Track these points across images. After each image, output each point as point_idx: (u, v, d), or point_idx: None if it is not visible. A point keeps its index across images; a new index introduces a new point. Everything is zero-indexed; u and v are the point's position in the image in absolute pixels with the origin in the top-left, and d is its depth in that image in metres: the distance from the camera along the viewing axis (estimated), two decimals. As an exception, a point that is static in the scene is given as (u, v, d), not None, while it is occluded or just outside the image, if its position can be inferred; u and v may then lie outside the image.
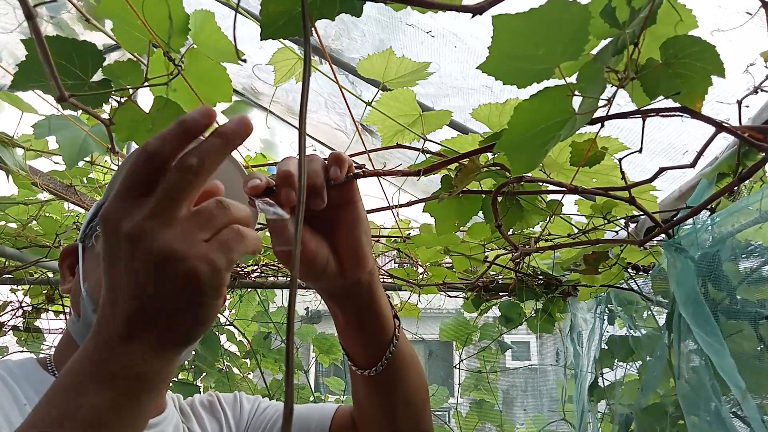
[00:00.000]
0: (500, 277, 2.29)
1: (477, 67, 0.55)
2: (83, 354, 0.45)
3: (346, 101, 0.80)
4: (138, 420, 0.45)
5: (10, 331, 2.85)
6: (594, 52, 0.66)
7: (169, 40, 0.71)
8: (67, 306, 2.90)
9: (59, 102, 0.62)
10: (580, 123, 0.62)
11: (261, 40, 0.48)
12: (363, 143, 0.87)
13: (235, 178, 0.89)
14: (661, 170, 0.92)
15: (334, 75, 0.78)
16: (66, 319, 2.94)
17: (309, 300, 2.83)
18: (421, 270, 2.01)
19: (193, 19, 0.74)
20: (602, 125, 0.68)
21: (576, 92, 0.57)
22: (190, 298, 0.45)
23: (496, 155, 0.96)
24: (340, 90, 0.79)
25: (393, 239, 1.80)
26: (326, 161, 0.62)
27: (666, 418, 1.23)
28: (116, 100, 0.76)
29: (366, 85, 2.00)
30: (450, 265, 2.07)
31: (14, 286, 2.79)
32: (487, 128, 1.07)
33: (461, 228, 1.18)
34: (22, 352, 2.93)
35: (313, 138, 2.56)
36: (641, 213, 1.30)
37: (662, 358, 1.32)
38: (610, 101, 0.60)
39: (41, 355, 0.87)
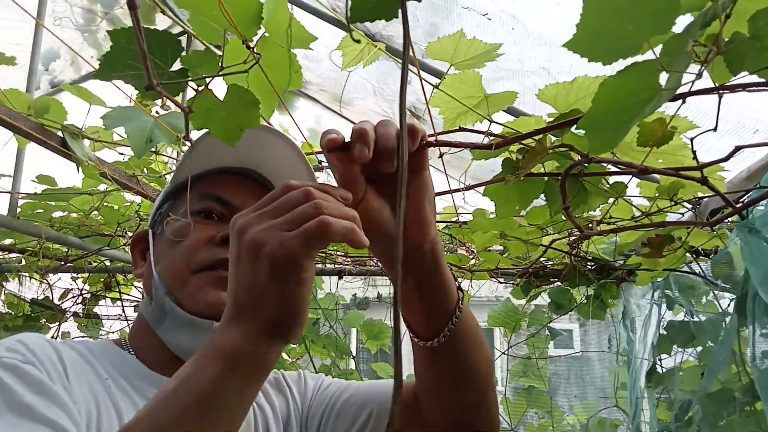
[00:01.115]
0: (551, 262, 2.26)
1: (563, 45, 0.54)
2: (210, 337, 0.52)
3: (423, 87, 0.80)
4: (243, 398, 0.49)
5: (72, 317, 2.98)
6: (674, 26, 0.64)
7: (246, 29, 0.72)
8: (124, 294, 3.02)
9: (147, 90, 0.64)
10: (664, 99, 0.61)
11: (350, 23, 0.49)
12: (433, 126, 0.87)
13: (297, 166, 0.90)
14: (737, 149, 0.90)
15: (417, 66, 0.77)
16: (122, 305, 3.06)
17: (357, 287, 2.87)
18: (472, 256, 2.00)
19: (266, 7, 0.75)
20: (684, 101, 0.67)
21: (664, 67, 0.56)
22: (273, 281, 0.50)
23: (560, 137, 0.95)
24: (419, 75, 0.79)
25: (446, 225, 1.80)
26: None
27: (733, 403, 1.20)
28: (193, 89, 0.78)
29: (415, 70, 2.00)
30: (500, 250, 2.05)
31: (74, 274, 2.91)
32: (544, 111, 1.05)
33: (520, 212, 1.18)
34: (82, 337, 3.06)
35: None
36: (707, 195, 1.27)
37: (727, 344, 1.29)
38: (699, 75, 0.58)
39: (115, 337, 0.90)
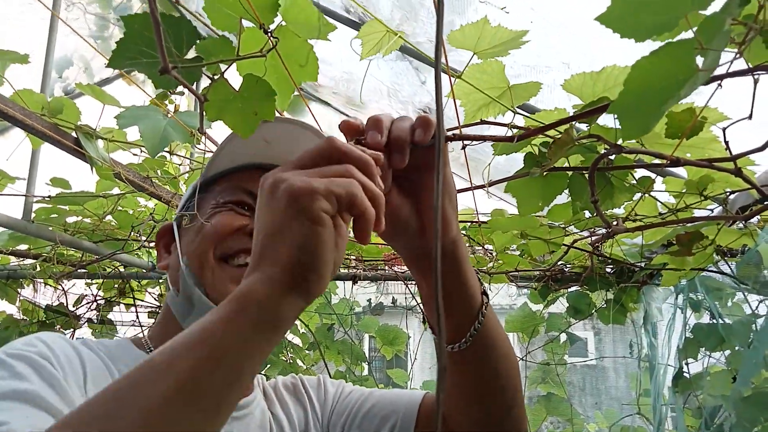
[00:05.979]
0: (569, 266, 2.22)
1: (595, 18, 0.51)
2: None
3: (450, 81, 0.78)
4: (249, 347, 0.47)
5: (86, 323, 2.98)
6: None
7: (264, 14, 0.70)
8: (138, 300, 3.01)
9: (162, 74, 0.62)
10: (701, 80, 0.57)
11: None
12: (458, 120, 0.84)
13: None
14: (776, 137, 0.85)
15: (446, 58, 0.74)
16: (136, 311, 3.05)
17: (371, 292, 2.83)
18: (490, 258, 1.97)
19: (283, -7, 0.73)
20: (720, 85, 0.63)
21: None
22: (288, 217, 0.48)
23: (588, 128, 0.92)
24: (447, 70, 0.77)
25: (464, 226, 1.77)
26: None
27: (769, 408, 1.15)
28: (209, 77, 0.75)
29: (430, 70, 1.97)
30: (518, 253, 2.01)
31: (89, 280, 2.91)
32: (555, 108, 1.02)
33: (543, 209, 1.14)
34: (96, 344, 3.05)
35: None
36: (736, 190, 1.22)
37: (761, 346, 1.24)
38: (740, 53, 0.55)
39: (137, 336, 0.88)
